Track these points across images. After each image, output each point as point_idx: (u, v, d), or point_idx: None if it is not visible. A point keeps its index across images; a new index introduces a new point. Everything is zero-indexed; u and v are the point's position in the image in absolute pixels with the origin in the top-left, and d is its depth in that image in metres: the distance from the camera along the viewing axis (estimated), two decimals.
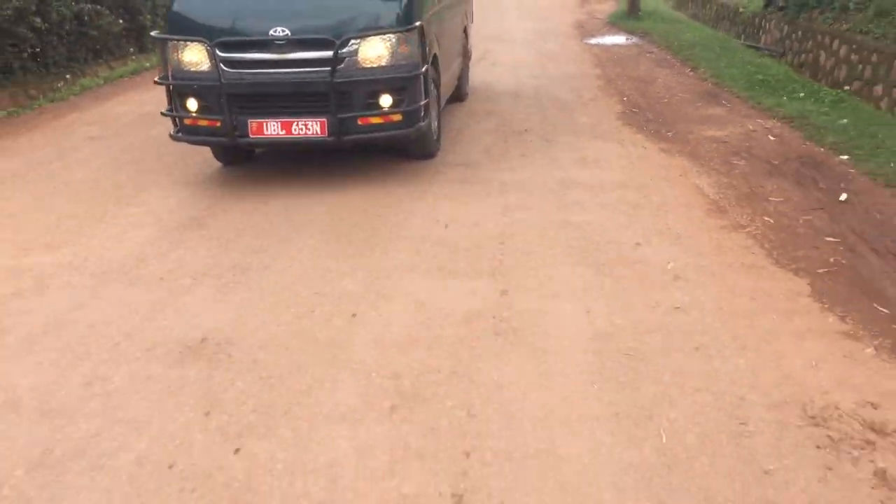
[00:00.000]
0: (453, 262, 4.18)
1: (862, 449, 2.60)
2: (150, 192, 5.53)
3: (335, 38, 5.00)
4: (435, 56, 5.87)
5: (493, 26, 14.17)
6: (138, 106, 8.47)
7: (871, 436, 2.66)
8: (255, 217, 4.96)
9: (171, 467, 2.62)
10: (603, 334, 3.38)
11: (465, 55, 8.28)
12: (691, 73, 9.45)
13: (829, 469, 2.51)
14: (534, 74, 9.70)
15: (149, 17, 11.56)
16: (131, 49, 11.41)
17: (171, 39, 5.29)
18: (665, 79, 9.15)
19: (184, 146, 5.83)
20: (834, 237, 4.36)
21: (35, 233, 4.82)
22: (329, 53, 5.00)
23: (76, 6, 9.78)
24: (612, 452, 2.62)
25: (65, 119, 7.97)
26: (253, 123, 5.15)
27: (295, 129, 5.14)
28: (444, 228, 4.65)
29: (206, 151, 6.03)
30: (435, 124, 5.96)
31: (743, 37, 12.04)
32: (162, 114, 5.51)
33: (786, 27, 10.55)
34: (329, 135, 5.13)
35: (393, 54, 5.15)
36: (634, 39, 12.57)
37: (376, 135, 5.30)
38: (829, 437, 2.66)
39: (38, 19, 8.77)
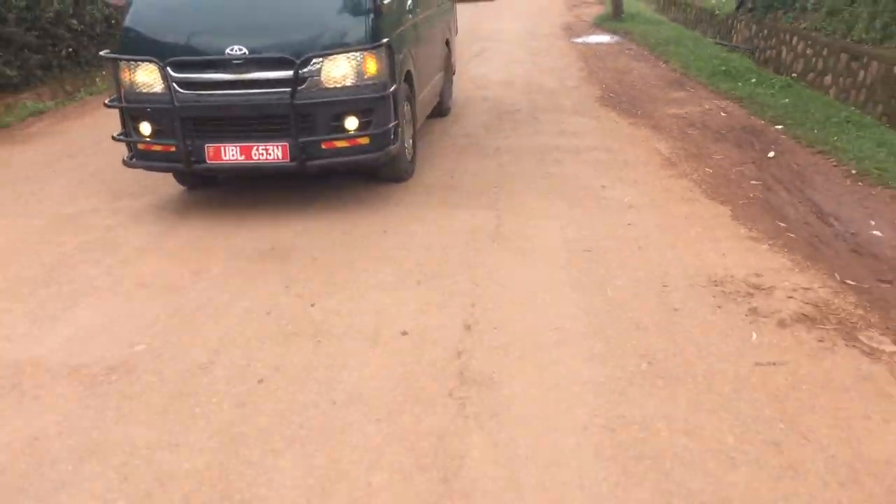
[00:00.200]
0: (459, 199, 5.37)
1: (744, 297, 3.78)
2: None
3: (296, 56, 4.75)
4: (409, 73, 5.66)
5: (488, 28, 15.51)
6: None
7: (752, 290, 3.84)
8: None
9: (268, 314, 3.80)
10: (571, 240, 4.57)
11: (448, 69, 7.94)
12: (663, 66, 10.68)
13: (720, 307, 3.69)
14: (524, 68, 10.90)
15: None
16: None
17: (122, 59, 5.02)
18: (640, 70, 10.38)
19: None
20: (757, 181, 5.56)
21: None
22: (289, 73, 4.76)
23: (106, 10, 10.94)
24: (573, 300, 3.80)
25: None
26: (210, 148, 4.91)
27: (255, 154, 4.89)
28: (451, 178, 5.84)
29: None
30: (410, 143, 5.77)
31: (717, 36, 13.27)
32: (114, 138, 5.25)
33: (754, 27, 11.77)
34: (291, 160, 4.88)
35: (359, 74, 4.88)
36: (617, 38, 13.80)
37: (342, 159, 5.04)
38: (722, 291, 3.84)
39: (74, 21, 9.92)
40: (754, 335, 3.42)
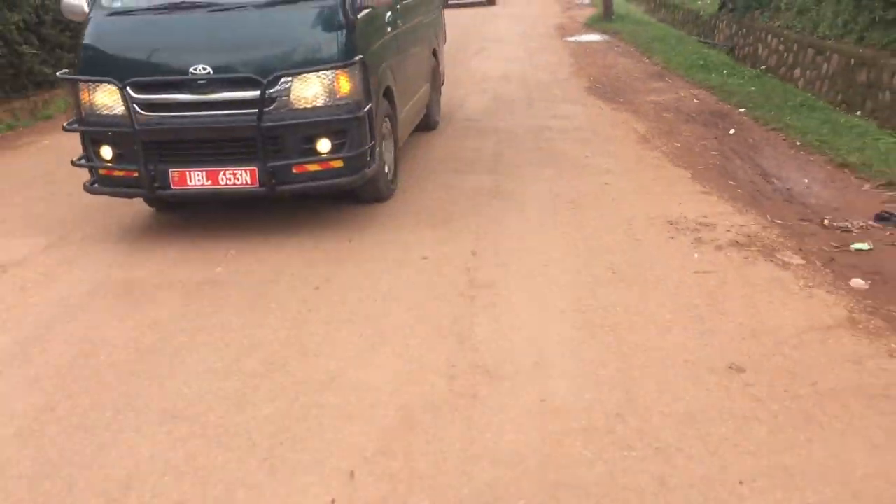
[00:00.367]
0: (464, 167, 6.39)
1: (692, 231, 4.79)
2: None
3: (263, 75, 4.52)
4: (389, 88, 5.44)
5: (487, 29, 16.59)
6: None
7: (699, 227, 4.84)
8: None
9: (315, 247, 4.80)
10: (557, 195, 5.57)
11: (435, 80, 7.65)
12: (647, 61, 11.71)
13: (672, 237, 4.70)
14: (520, 64, 11.94)
15: None
16: None
17: (79, 80, 4.82)
18: (625, 65, 11.42)
19: None
20: (716, 151, 6.57)
21: None
22: (256, 93, 4.53)
23: None
24: (557, 235, 4.81)
25: None
26: (174, 173, 4.70)
27: (222, 179, 4.68)
28: (456, 152, 6.86)
29: None
30: (390, 160, 5.59)
31: (702, 36, 14.30)
32: (73, 163, 5.08)
33: (734, 26, 12.78)
34: (260, 185, 4.68)
35: (331, 93, 4.64)
36: (606, 38, 14.84)
37: (315, 184, 4.81)
38: (675, 227, 4.85)
39: None
40: (696, 255, 4.42)
